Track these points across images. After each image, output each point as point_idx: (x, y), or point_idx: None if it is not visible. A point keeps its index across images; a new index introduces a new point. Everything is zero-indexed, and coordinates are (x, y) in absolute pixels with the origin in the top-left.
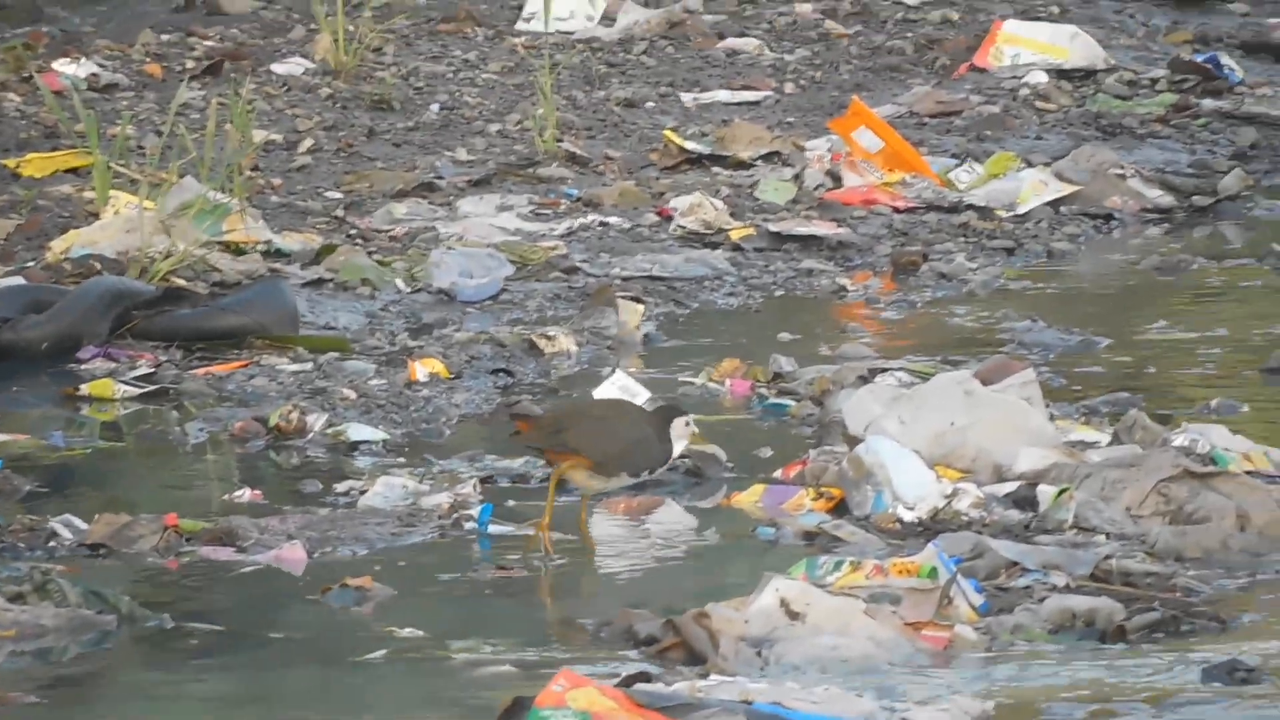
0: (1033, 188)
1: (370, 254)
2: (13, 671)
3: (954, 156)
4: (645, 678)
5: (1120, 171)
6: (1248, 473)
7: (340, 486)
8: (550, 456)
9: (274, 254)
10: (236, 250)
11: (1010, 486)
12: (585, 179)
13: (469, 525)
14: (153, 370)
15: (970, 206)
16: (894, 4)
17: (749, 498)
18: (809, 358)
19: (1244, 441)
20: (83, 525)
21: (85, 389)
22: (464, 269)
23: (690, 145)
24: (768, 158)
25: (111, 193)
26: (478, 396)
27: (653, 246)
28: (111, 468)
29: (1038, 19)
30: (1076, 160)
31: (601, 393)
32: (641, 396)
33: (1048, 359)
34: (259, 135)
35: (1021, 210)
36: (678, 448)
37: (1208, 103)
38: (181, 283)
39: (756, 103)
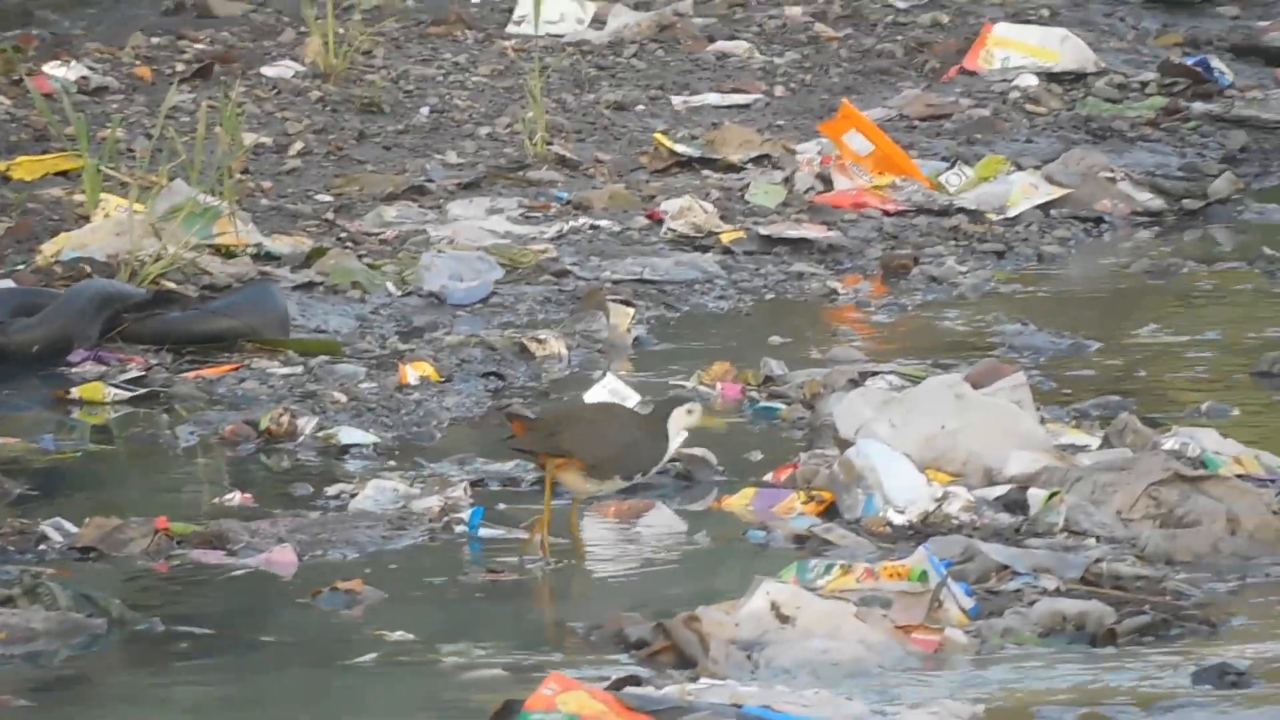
0: (1023, 191)
1: (360, 257)
2: (3, 675)
3: (944, 159)
4: (635, 681)
5: (1110, 175)
6: (1238, 476)
7: (331, 490)
8: (543, 459)
9: (264, 257)
10: (227, 253)
11: (1001, 490)
12: (575, 182)
13: (459, 528)
14: (143, 373)
15: (960, 210)
16: (884, 7)
17: (740, 501)
18: (799, 361)
19: (1234, 445)
20: (73, 528)
21: (75, 392)
22: (454, 272)
23: (680, 148)
24: (758, 161)
25: (102, 196)
26: (468, 400)
27: (643, 250)
28: (102, 471)
29: (1028, 22)
30: (1067, 163)
31: (592, 396)
32: (632, 400)
33: (1038, 362)
34: (249, 138)
35: (1012, 213)
36: (676, 443)
37: (1198, 106)
38: (172, 286)
39: (746, 106)
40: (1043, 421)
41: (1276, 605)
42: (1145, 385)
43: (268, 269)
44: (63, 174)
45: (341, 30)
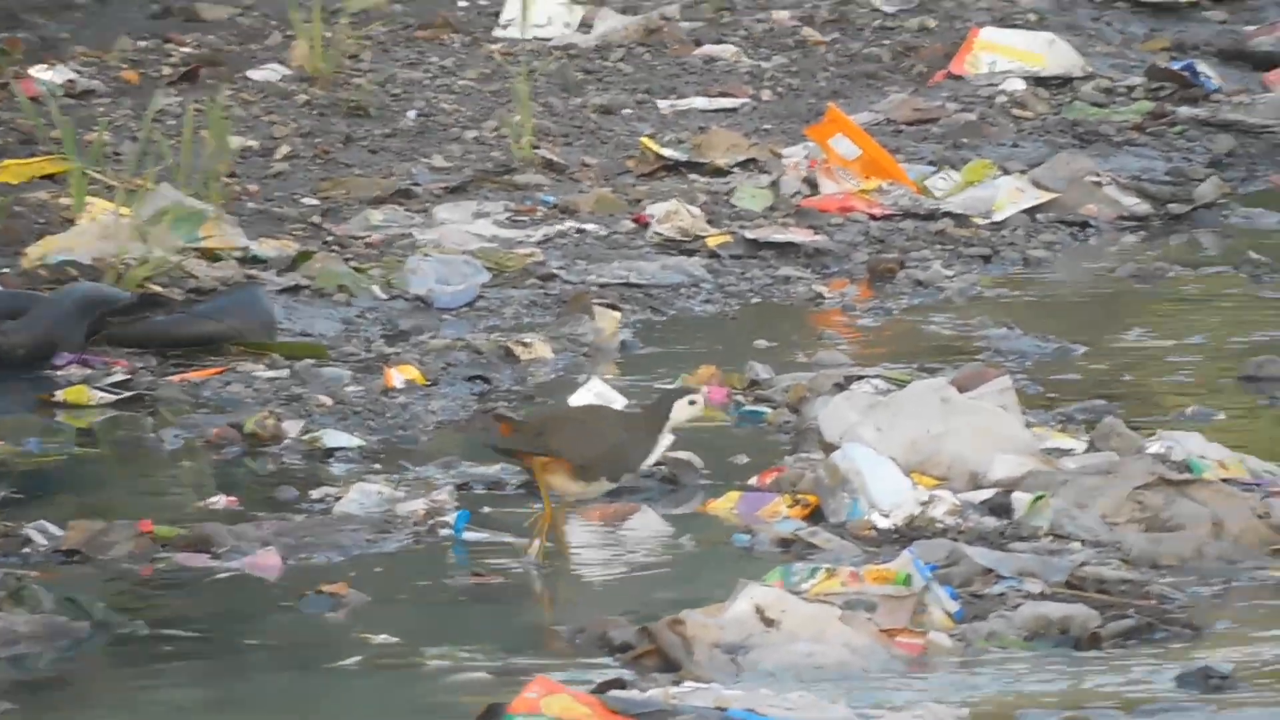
0: (1009, 195)
1: (347, 261)
2: None
3: (931, 164)
4: (620, 684)
5: (1097, 179)
6: (1223, 480)
7: (316, 493)
8: (529, 460)
9: (250, 260)
10: (213, 257)
11: (986, 494)
12: (562, 186)
13: (444, 532)
14: (128, 377)
15: (947, 214)
16: (871, 11)
17: (724, 504)
18: (785, 365)
19: (1219, 449)
20: (57, 531)
21: (61, 395)
22: (440, 276)
23: (667, 152)
24: (745, 165)
25: (88, 199)
26: (454, 403)
27: (629, 253)
28: (87, 474)
29: (1015, 26)
30: (1053, 168)
31: (577, 400)
32: (618, 404)
33: (1024, 366)
34: (235, 142)
35: (998, 218)
36: (666, 442)
37: (1184, 110)
38: (158, 289)
39: (733, 110)
40: (1028, 425)
41: (1260, 609)
42: (1131, 389)
43: (254, 272)
44: (49, 177)
45: (328, 34)
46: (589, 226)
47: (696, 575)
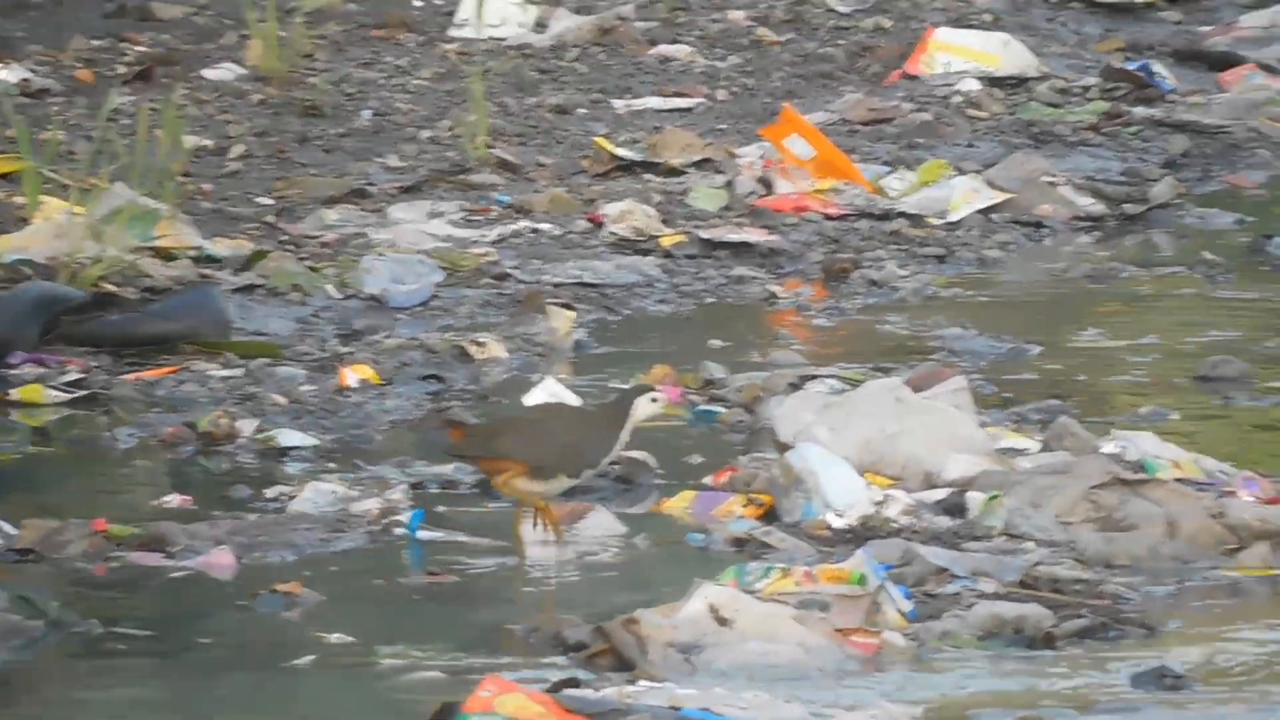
0: (964, 195)
1: (301, 260)
2: None
3: (886, 164)
4: (574, 683)
5: (1051, 179)
6: (1177, 480)
7: (270, 492)
8: (484, 465)
9: (205, 260)
10: (167, 256)
11: (940, 493)
12: (516, 186)
13: (399, 531)
14: (83, 376)
15: (902, 214)
16: (826, 11)
17: (679, 504)
18: (740, 364)
19: (1174, 449)
20: (11, 530)
21: (15, 394)
22: (395, 275)
23: (622, 152)
24: (699, 165)
25: (42, 198)
26: (408, 403)
27: (584, 253)
28: (41, 473)
29: (970, 27)
30: (1008, 168)
31: (532, 399)
32: (572, 403)
33: (978, 366)
34: (190, 141)
35: (953, 218)
36: (627, 436)
37: (1139, 110)
38: (112, 288)
39: (688, 110)
40: (983, 425)
41: (1215, 609)
42: (1085, 389)
43: (208, 272)
44: (3, 176)
45: (283, 33)
46: (544, 226)
47: (651, 574)
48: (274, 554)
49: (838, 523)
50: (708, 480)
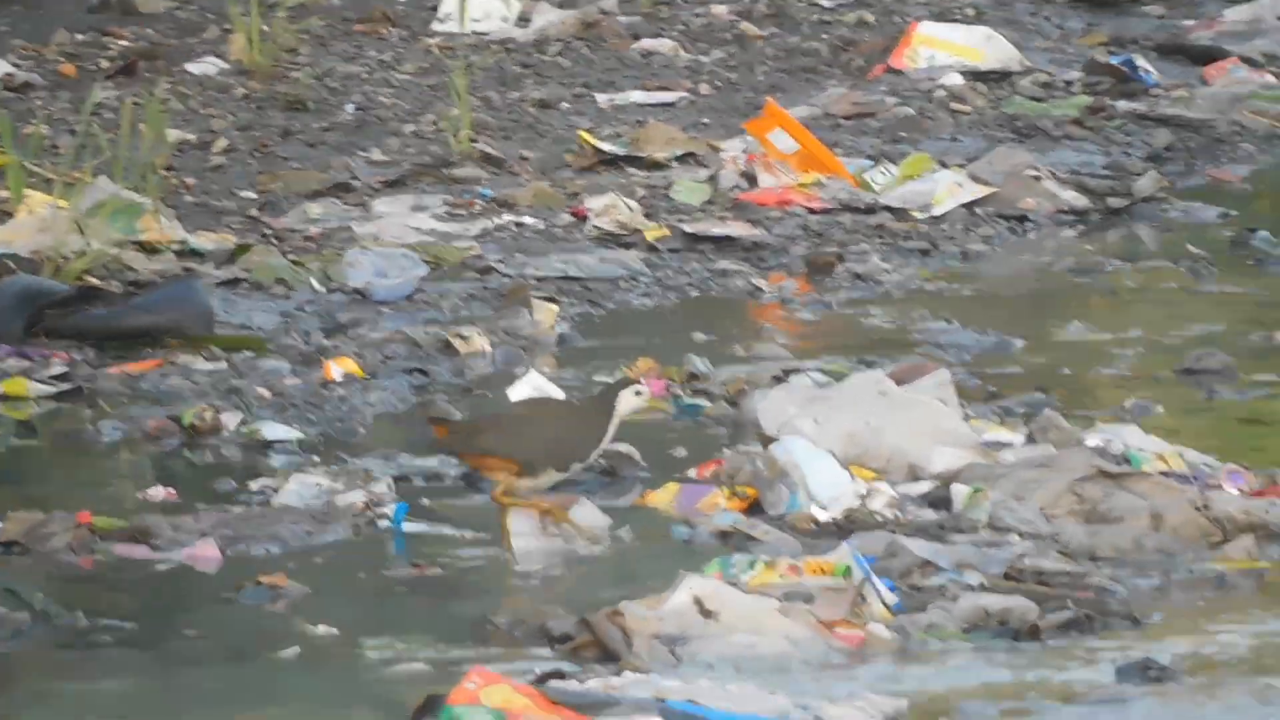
0: (948, 189)
1: (285, 254)
2: None
3: (869, 158)
4: (559, 675)
5: (1035, 173)
6: (1162, 473)
7: (254, 485)
8: (471, 462)
9: (189, 253)
10: (151, 250)
11: (925, 486)
12: (500, 180)
13: (384, 524)
14: (67, 369)
15: (885, 208)
16: (809, 5)
17: (664, 497)
18: (724, 358)
19: (1158, 442)
20: None
21: None
22: (379, 269)
23: (605, 146)
24: (683, 159)
25: (26, 192)
26: (392, 396)
27: (567, 247)
28: (25, 466)
29: (953, 21)
30: (992, 162)
31: (515, 393)
32: (557, 396)
33: (963, 360)
34: (173, 135)
35: (937, 212)
36: (615, 428)
37: (1123, 105)
38: (96, 282)
39: (672, 104)
40: (967, 418)
41: (1199, 601)
42: (1069, 383)
43: (192, 265)
44: None
45: (266, 27)
46: (527, 220)
47: (636, 567)
48: (259, 546)
49: (822, 515)
50: (692, 473)
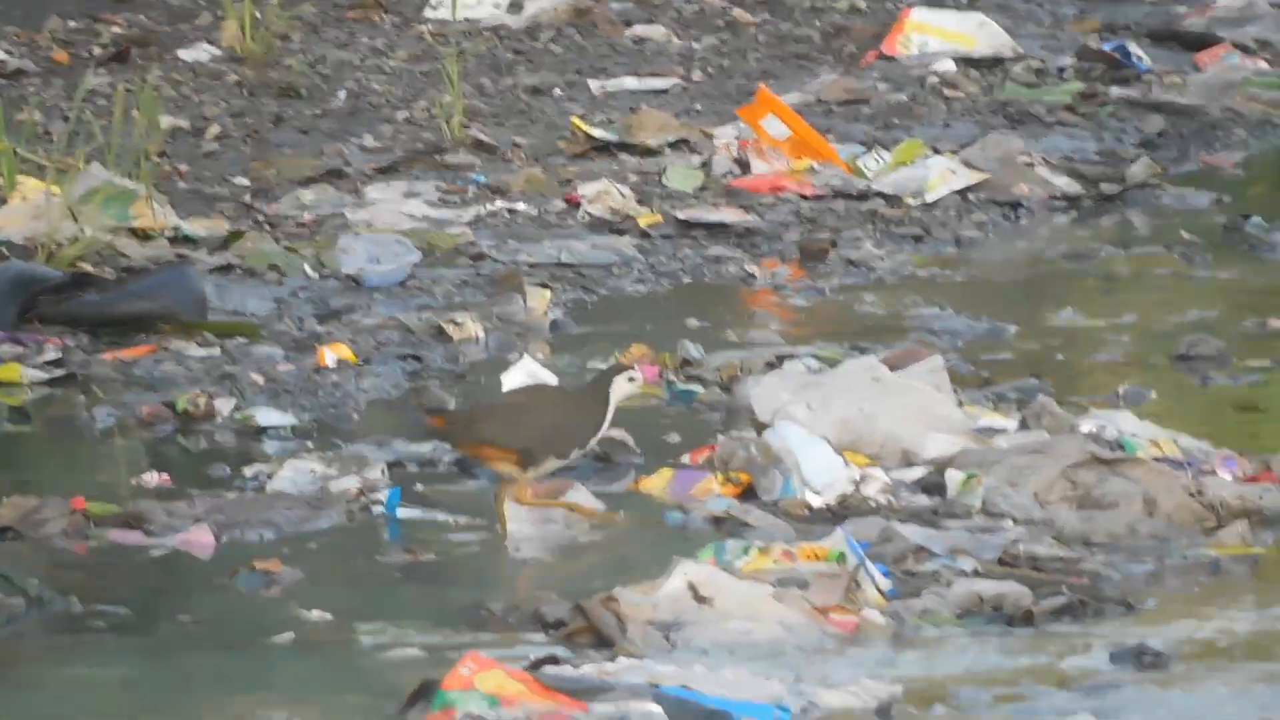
0: (941, 175)
1: (278, 240)
2: None
3: (862, 144)
4: (553, 661)
5: (1028, 159)
6: (1156, 459)
7: (248, 471)
8: (470, 452)
9: (181, 240)
10: (144, 236)
11: (918, 472)
12: (493, 166)
13: (377, 509)
14: (60, 355)
15: (878, 194)
16: None
17: (657, 483)
18: (717, 344)
19: (1152, 428)
20: None
21: None
22: (372, 255)
23: (598, 133)
24: (675, 145)
25: (19, 179)
26: (386, 382)
27: (560, 233)
28: (19, 452)
29: (945, 7)
30: (984, 148)
31: (509, 379)
32: (549, 383)
33: (956, 346)
34: (166, 122)
35: (930, 198)
36: (610, 416)
37: (1115, 91)
38: (89, 268)
39: (664, 90)
40: (960, 404)
41: (1193, 586)
42: (1063, 368)
43: (185, 252)
44: None
45: (258, 14)
46: (520, 206)
47: (629, 553)
48: (253, 532)
49: (816, 501)
50: (686, 459)
